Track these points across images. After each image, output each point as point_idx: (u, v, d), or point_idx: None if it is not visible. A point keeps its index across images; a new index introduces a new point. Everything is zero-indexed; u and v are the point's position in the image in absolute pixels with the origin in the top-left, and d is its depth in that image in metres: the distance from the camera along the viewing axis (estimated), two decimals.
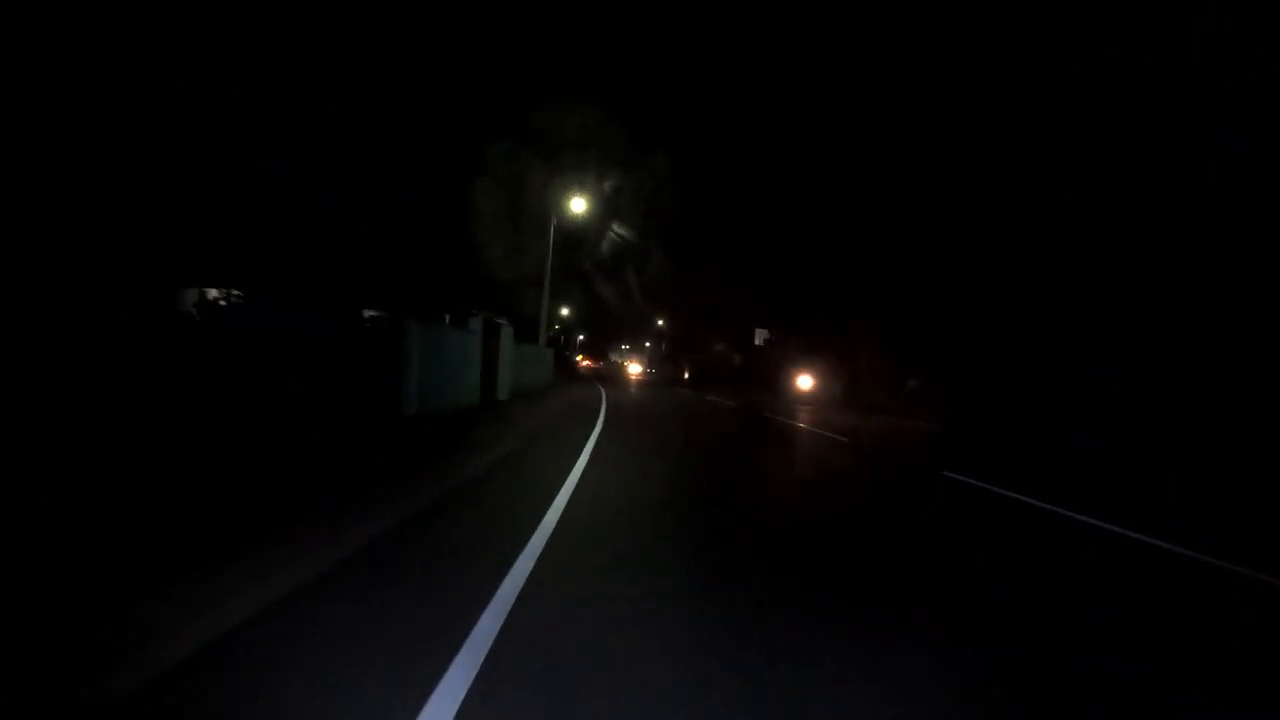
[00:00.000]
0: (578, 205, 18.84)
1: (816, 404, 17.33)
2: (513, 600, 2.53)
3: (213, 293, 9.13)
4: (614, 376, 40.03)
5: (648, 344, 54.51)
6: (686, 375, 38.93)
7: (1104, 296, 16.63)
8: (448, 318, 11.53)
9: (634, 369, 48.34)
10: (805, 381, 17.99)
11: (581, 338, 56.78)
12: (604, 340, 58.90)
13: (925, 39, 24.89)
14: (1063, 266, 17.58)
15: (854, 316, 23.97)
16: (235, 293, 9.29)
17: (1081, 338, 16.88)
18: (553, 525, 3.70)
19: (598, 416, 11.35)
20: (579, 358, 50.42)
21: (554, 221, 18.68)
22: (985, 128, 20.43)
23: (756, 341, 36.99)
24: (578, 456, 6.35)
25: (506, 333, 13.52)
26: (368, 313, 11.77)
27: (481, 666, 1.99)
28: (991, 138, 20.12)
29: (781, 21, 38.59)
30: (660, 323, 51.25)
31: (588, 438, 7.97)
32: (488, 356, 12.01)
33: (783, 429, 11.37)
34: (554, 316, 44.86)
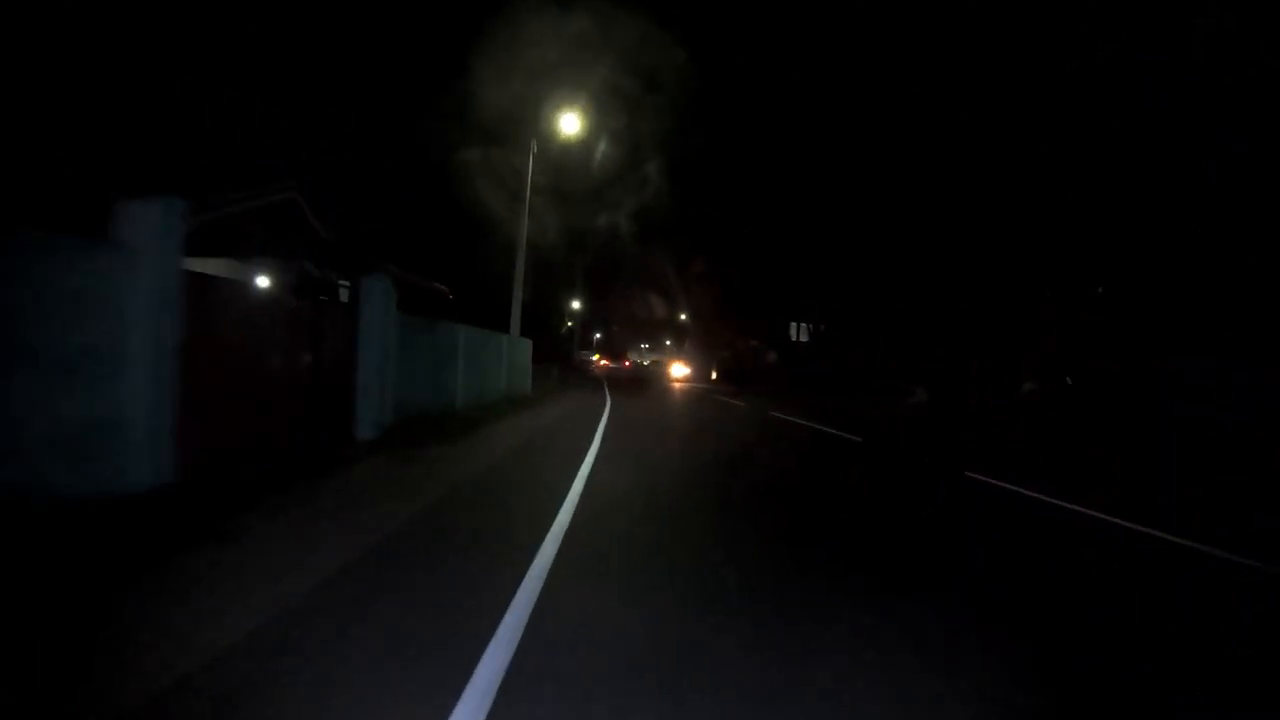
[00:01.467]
0: (569, 124, 13.57)
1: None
2: None
3: None
4: (628, 378, 32.92)
5: (668, 341, 53.81)
6: (714, 376, 35.08)
7: (1103, 296, 16.70)
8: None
9: (678, 370, 36.32)
10: None
11: (599, 336, 56.29)
12: (623, 337, 58.77)
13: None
14: (1063, 266, 17.65)
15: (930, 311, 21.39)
16: None
17: (1081, 337, 16.97)
18: None
19: (552, 520, 3.46)
20: (595, 356, 47.00)
21: (534, 148, 13.48)
22: (984, 127, 20.43)
23: (800, 337, 32.81)
24: None
25: (376, 290, 6.11)
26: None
27: None
28: (991, 137, 20.14)
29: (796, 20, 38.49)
30: (683, 317, 50.65)
31: None
32: (208, 342, 3.88)
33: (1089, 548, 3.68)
34: (564, 309, 43.49)
